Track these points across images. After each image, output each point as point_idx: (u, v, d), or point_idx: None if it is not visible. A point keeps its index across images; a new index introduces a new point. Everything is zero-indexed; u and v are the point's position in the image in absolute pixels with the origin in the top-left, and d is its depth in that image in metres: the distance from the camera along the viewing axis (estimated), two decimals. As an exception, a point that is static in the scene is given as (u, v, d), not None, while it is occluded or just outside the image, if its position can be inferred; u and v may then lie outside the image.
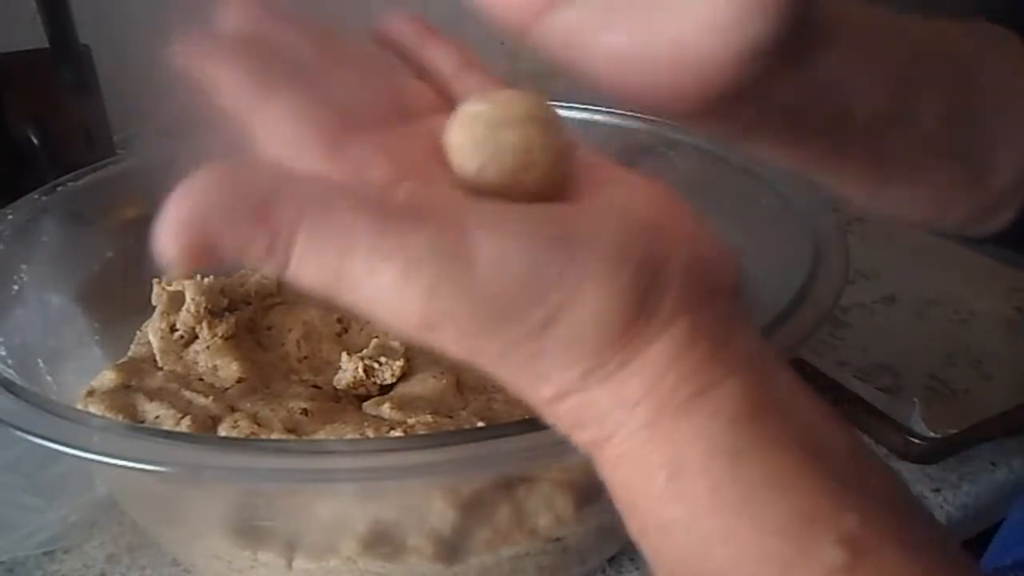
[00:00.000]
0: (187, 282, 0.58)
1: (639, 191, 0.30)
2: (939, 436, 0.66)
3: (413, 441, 0.43)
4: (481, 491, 0.45)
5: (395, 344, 0.57)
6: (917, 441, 0.66)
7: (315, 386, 0.57)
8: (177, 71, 0.33)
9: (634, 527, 0.30)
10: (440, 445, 0.37)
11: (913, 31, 0.41)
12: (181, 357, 0.57)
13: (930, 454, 0.67)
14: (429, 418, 0.49)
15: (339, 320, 0.63)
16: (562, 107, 0.77)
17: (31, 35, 0.83)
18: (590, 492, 0.47)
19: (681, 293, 0.28)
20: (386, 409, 0.51)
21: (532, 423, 0.35)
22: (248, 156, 0.30)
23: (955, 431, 0.67)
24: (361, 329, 0.62)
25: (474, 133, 0.31)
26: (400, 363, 0.55)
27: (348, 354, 0.56)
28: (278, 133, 0.30)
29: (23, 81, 0.86)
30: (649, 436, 0.28)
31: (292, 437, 0.49)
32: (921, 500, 0.65)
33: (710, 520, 0.28)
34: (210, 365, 0.57)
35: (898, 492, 0.30)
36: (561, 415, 0.29)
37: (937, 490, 0.66)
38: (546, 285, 0.26)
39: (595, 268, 0.26)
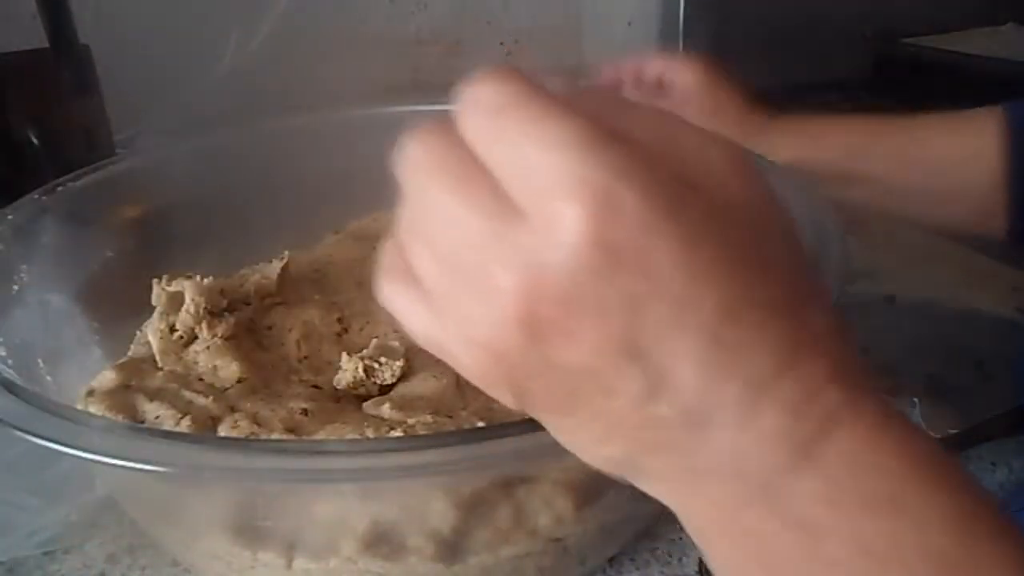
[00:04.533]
0: (186, 282, 0.58)
1: None
2: (939, 436, 0.66)
3: (413, 441, 0.43)
4: (481, 491, 0.45)
5: (395, 344, 0.57)
6: (917, 441, 0.66)
7: (315, 386, 0.57)
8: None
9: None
10: (440, 445, 0.37)
11: None
12: (181, 357, 0.57)
13: (930, 454, 0.66)
14: (429, 418, 0.49)
15: (339, 320, 0.63)
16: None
17: (31, 35, 0.83)
18: (591, 492, 0.47)
19: None
20: (386, 409, 0.51)
21: (533, 423, 0.35)
22: None
23: (955, 431, 0.66)
24: (361, 329, 0.62)
25: None
26: (400, 363, 0.55)
27: (348, 354, 0.56)
28: None
29: (23, 81, 0.86)
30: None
31: (292, 437, 0.49)
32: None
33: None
34: (210, 365, 0.56)
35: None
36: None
37: (937, 490, 0.65)
38: None
39: None
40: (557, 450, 0.33)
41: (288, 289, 0.65)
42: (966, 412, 0.68)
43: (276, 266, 0.65)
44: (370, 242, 0.72)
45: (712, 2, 1.35)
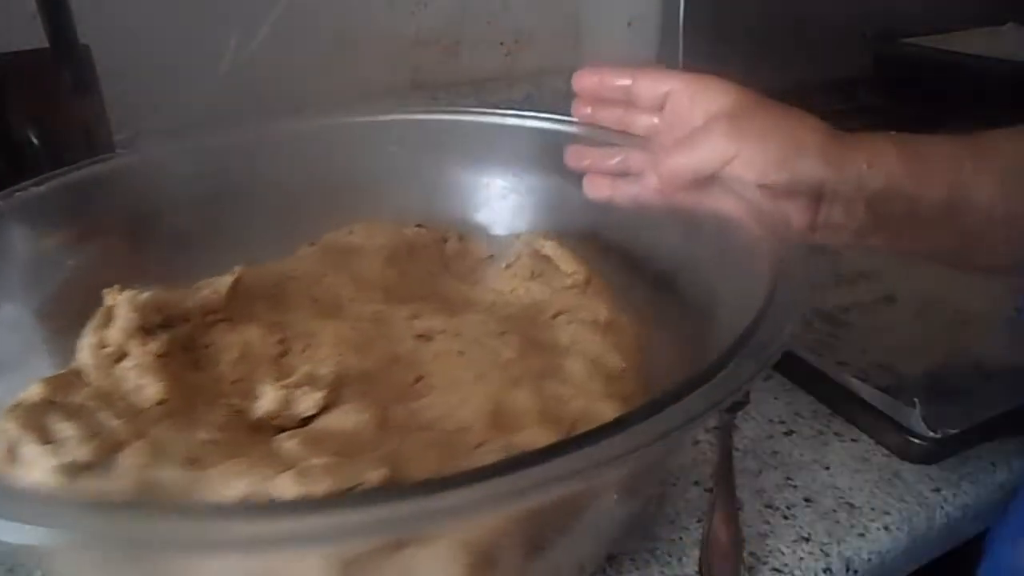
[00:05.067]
0: (120, 296, 0.51)
1: None
2: (939, 436, 0.62)
3: (285, 507, 0.33)
4: (365, 553, 0.36)
5: (324, 372, 0.50)
6: (917, 441, 0.63)
7: (240, 411, 0.49)
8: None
9: None
10: (315, 511, 0.28)
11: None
12: (111, 373, 0.49)
13: (930, 454, 0.63)
14: (327, 459, 0.41)
15: (280, 341, 0.55)
16: (553, 120, 0.68)
17: (31, 35, 0.78)
18: (489, 556, 0.38)
19: None
20: (292, 444, 0.43)
21: (432, 483, 0.27)
22: None
23: (955, 431, 0.62)
24: (303, 351, 0.54)
25: None
26: (320, 395, 0.47)
27: (271, 382, 0.48)
28: None
29: (23, 81, 0.81)
30: None
31: (189, 470, 0.41)
32: (921, 499, 0.61)
33: None
34: (135, 384, 0.48)
35: None
36: None
37: (937, 490, 0.62)
38: None
39: None
40: (448, 515, 0.25)
41: (237, 305, 0.58)
42: (966, 412, 0.64)
43: (227, 279, 0.58)
44: (338, 256, 0.64)
45: (712, 2, 1.32)
